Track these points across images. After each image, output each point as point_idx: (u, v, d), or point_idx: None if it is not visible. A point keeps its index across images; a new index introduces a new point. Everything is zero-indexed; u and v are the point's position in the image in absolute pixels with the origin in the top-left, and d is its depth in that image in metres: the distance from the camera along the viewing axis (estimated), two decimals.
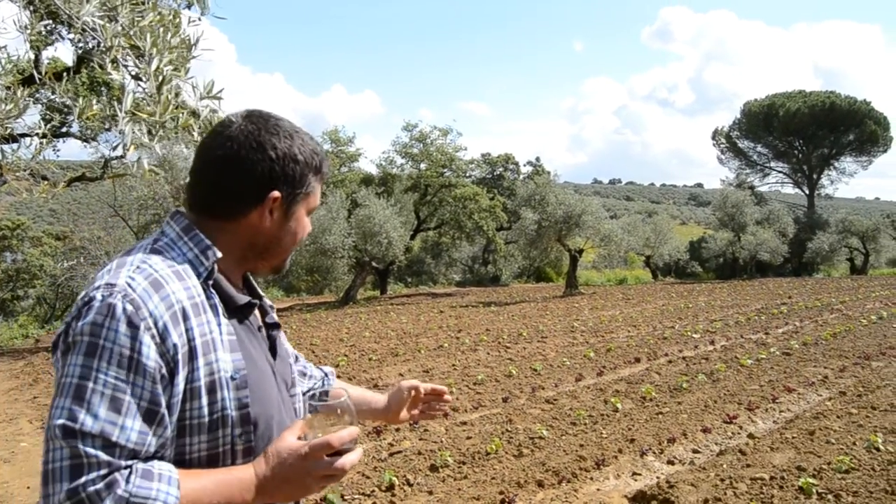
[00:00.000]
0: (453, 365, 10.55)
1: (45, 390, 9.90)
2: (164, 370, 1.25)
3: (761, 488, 4.83)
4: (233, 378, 1.36)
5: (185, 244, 1.41)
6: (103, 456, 1.16)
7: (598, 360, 10.51)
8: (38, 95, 12.14)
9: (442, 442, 6.30)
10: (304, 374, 1.90)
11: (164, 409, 1.25)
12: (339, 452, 1.34)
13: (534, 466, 5.50)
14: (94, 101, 2.40)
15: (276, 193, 1.43)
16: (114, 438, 1.18)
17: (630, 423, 6.75)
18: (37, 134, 3.13)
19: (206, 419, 1.33)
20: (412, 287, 35.76)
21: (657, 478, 5.34)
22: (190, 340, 1.30)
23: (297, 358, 1.89)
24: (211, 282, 1.41)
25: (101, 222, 26.44)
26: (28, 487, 5.74)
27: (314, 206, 1.55)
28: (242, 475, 1.32)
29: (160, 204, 16.94)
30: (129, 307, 1.23)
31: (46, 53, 14.02)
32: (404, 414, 2.00)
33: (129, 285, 1.26)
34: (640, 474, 5.48)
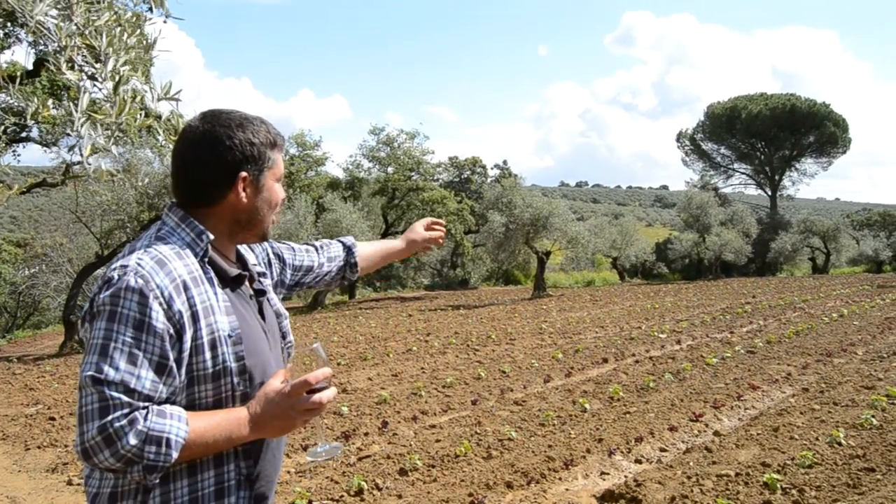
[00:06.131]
0: (422, 368, 10.54)
1: (6, 400, 9.70)
2: (171, 331, 1.52)
3: (727, 485, 4.89)
4: (229, 336, 1.63)
5: (183, 230, 1.68)
6: (125, 398, 1.43)
7: (566, 361, 10.56)
8: None
9: (411, 445, 6.28)
10: (310, 269, 2.22)
11: (171, 363, 1.51)
12: (316, 390, 1.61)
13: (503, 468, 5.51)
14: (51, 104, 2.35)
15: (244, 173, 1.70)
16: (132, 385, 1.44)
17: (598, 423, 6.78)
18: None
19: (210, 370, 1.59)
20: (381, 291, 35.63)
21: (625, 476, 5.37)
22: (192, 307, 1.57)
23: (295, 250, 2.20)
24: (207, 259, 1.68)
25: (64, 229, 25.88)
26: None
27: (280, 173, 1.82)
28: (239, 414, 1.60)
29: (123, 209, 16.64)
30: (140, 281, 1.50)
31: (4, 57, 13.76)
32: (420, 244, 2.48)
33: (139, 264, 1.53)
34: (608, 473, 5.51)
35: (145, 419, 1.44)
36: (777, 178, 51.59)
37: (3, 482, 6.05)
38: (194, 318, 1.57)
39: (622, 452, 5.96)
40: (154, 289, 1.50)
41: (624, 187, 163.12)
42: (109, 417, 1.41)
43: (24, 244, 29.02)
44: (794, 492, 4.66)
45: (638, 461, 5.80)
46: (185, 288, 1.58)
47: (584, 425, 6.74)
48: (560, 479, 5.38)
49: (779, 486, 4.74)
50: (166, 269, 1.56)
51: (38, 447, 7.02)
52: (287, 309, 2.11)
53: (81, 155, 2.21)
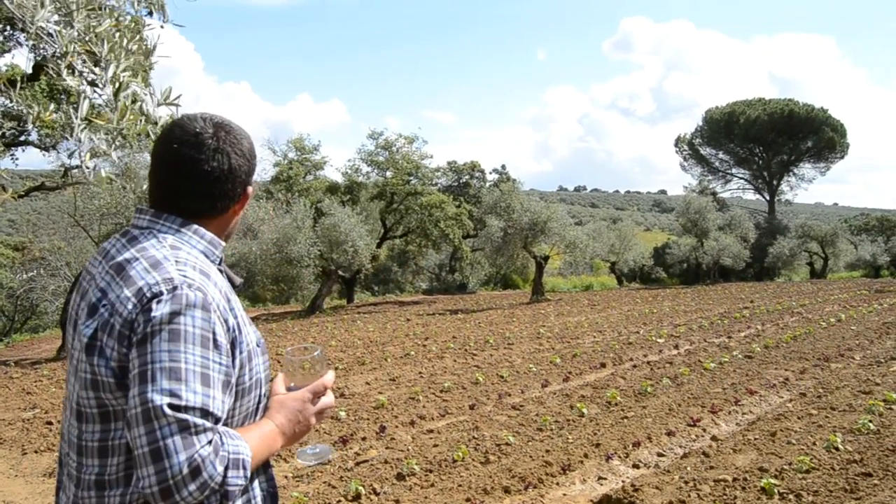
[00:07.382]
0: (420, 373, 10.53)
1: (3, 404, 9.68)
2: (229, 345, 1.45)
3: (724, 490, 4.89)
4: (258, 345, 1.59)
5: (191, 238, 1.56)
6: (207, 424, 1.33)
7: (564, 365, 10.56)
8: None
9: (408, 450, 6.28)
10: None
11: (233, 379, 1.46)
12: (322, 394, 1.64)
13: (500, 473, 5.51)
14: (52, 108, 2.36)
15: (251, 188, 1.67)
16: (210, 409, 1.35)
17: (596, 428, 6.79)
18: None
19: (247, 384, 1.53)
20: (379, 296, 35.63)
21: (622, 481, 5.37)
22: (235, 318, 1.50)
23: None
24: (221, 268, 1.62)
25: (62, 232, 25.90)
26: None
27: None
28: (271, 427, 1.54)
29: (122, 213, 16.64)
30: (199, 294, 1.41)
31: (3, 60, 13.77)
32: None
33: (186, 276, 1.43)
34: (605, 478, 5.51)
35: (222, 443, 1.35)
36: (775, 182, 51.67)
37: (0, 487, 6.04)
38: (239, 329, 1.51)
39: (620, 457, 5.96)
40: (211, 302, 1.42)
41: (622, 192, 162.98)
42: (196, 447, 1.30)
43: (22, 248, 29.00)
44: (791, 497, 4.66)
45: (636, 466, 5.81)
46: (228, 299, 1.51)
47: (582, 430, 6.74)
48: (558, 484, 5.39)
49: (776, 491, 4.74)
50: (212, 279, 1.48)
51: (36, 451, 7.01)
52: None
53: (81, 160, 2.22)
